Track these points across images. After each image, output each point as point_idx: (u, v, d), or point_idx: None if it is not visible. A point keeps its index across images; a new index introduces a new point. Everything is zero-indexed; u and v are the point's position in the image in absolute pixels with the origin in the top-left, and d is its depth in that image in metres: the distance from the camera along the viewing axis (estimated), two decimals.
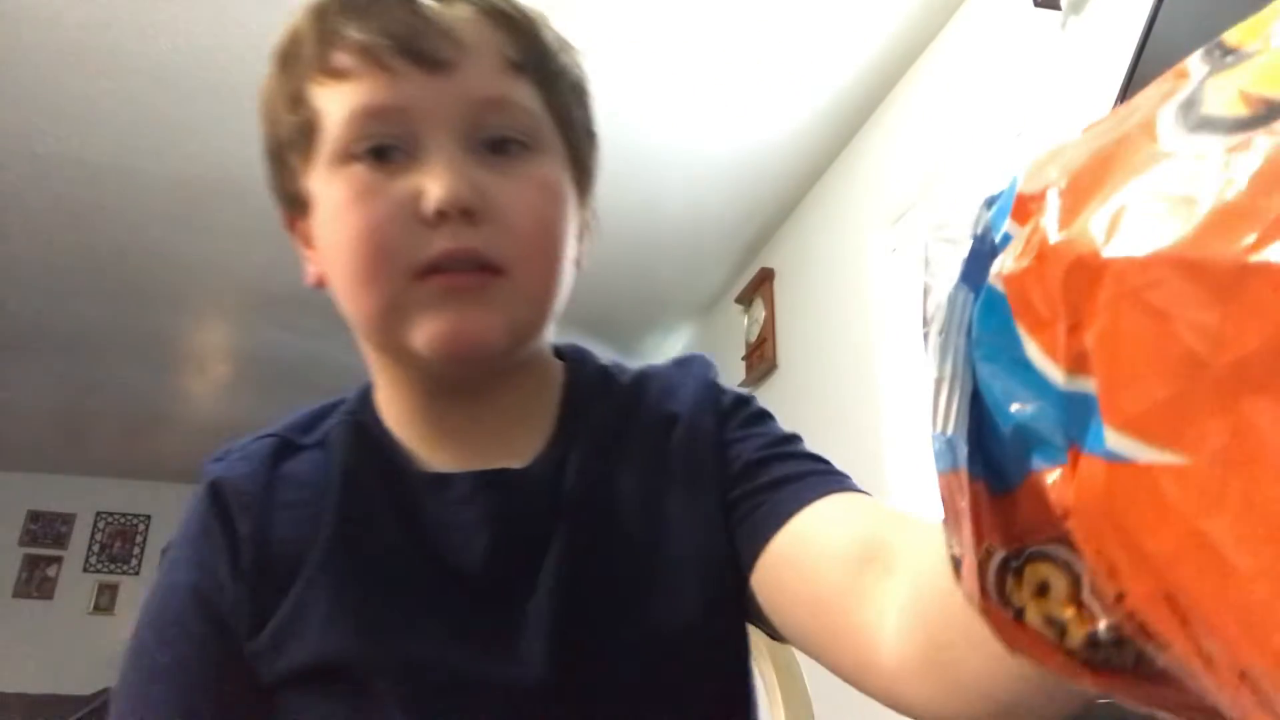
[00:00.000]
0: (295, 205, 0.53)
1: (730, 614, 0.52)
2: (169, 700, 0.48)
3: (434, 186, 0.45)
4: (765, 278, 2.99)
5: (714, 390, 0.58)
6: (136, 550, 6.20)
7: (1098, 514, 0.17)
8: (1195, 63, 0.20)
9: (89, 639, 5.79)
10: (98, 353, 3.99)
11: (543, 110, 0.51)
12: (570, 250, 0.52)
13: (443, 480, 0.52)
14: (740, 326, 3.18)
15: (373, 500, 0.51)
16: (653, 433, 0.55)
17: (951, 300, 0.22)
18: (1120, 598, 0.18)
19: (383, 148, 0.47)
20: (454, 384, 0.53)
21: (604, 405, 0.56)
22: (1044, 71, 1.75)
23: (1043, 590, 0.20)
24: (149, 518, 6.25)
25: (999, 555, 0.21)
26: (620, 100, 2.33)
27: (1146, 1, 1.10)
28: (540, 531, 0.50)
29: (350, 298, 0.49)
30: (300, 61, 0.49)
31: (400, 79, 0.46)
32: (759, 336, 2.98)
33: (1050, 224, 0.19)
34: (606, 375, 0.59)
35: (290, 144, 0.51)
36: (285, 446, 0.54)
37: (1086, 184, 0.19)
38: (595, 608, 0.49)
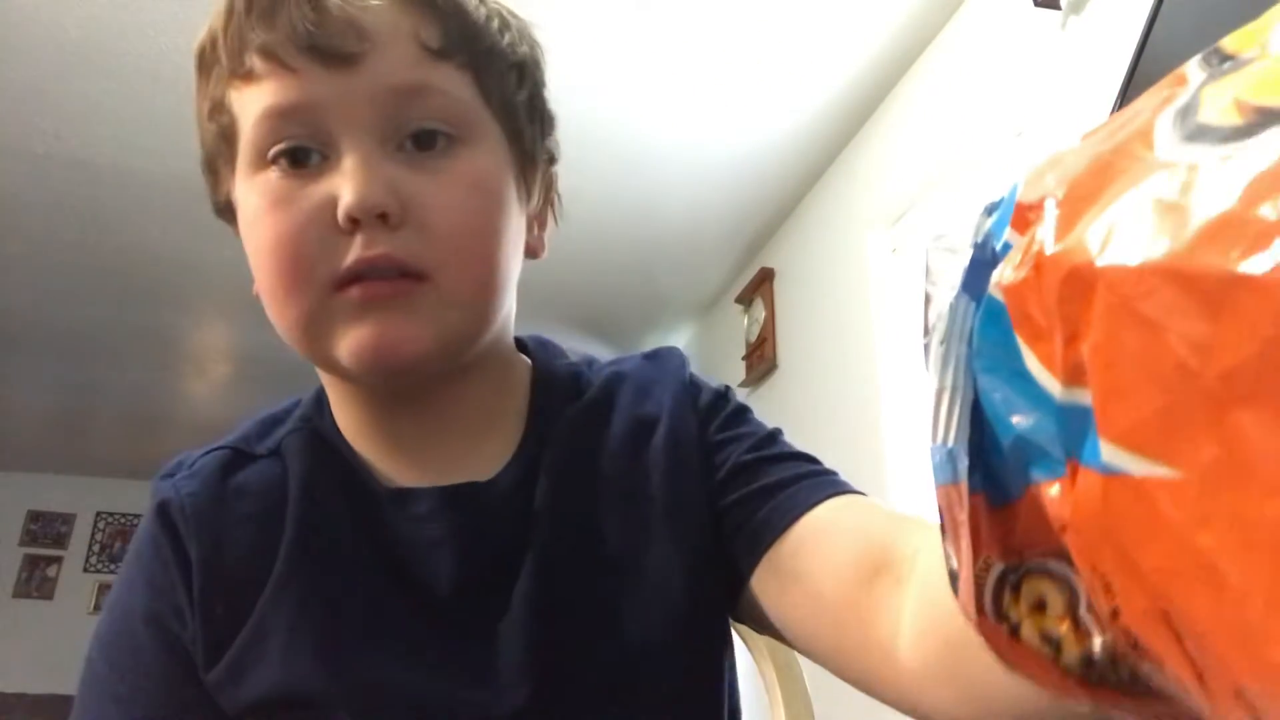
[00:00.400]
0: (228, 215, 0.51)
1: (713, 624, 0.51)
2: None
3: (346, 191, 0.43)
4: (765, 278, 2.99)
5: (691, 389, 0.55)
6: None
7: (1094, 529, 0.17)
8: (1193, 68, 0.20)
9: (89, 639, 5.79)
10: (98, 353, 3.99)
11: (474, 96, 0.47)
12: (511, 246, 0.49)
13: (404, 495, 0.49)
14: (740, 326, 3.17)
15: (332, 517, 0.48)
16: (629, 438, 0.52)
17: (953, 310, 0.22)
18: (1115, 614, 0.17)
19: (296, 150, 0.45)
20: (396, 395, 0.50)
21: (575, 409, 0.53)
22: (1044, 71, 1.75)
23: (1039, 606, 0.20)
24: None
25: (997, 569, 0.20)
26: (620, 100, 2.33)
27: (1146, 1, 1.10)
28: (510, 548, 0.48)
29: (272, 309, 0.47)
30: (215, 65, 0.47)
31: (305, 77, 0.44)
32: (759, 336, 2.98)
33: (1047, 234, 0.19)
34: (576, 375, 0.56)
35: (216, 152, 0.50)
36: (237, 458, 0.52)
37: (1083, 193, 0.19)
38: (572, 629, 0.47)
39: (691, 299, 3.49)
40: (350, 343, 0.44)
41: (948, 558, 0.22)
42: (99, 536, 6.13)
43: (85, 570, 6.01)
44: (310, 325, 0.45)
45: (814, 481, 0.48)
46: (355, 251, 0.43)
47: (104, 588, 6.00)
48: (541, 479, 0.50)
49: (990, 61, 1.93)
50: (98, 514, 6.16)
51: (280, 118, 0.44)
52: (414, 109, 0.45)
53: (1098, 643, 0.19)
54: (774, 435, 0.54)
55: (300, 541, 0.48)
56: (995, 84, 1.91)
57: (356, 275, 0.43)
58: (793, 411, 2.73)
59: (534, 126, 0.52)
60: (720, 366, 3.40)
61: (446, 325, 0.45)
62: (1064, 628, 0.19)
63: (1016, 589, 0.20)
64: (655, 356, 0.58)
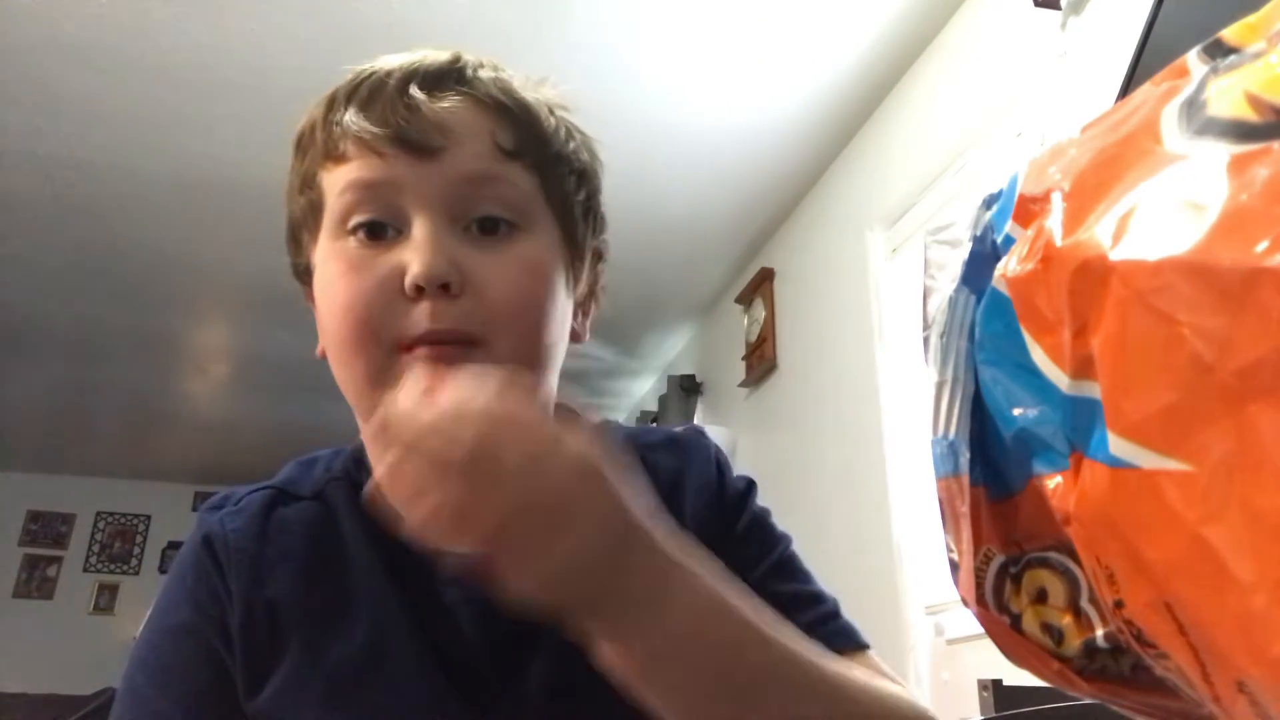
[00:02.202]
0: (306, 278, 0.57)
1: None
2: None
3: (414, 262, 0.48)
4: (765, 278, 2.99)
5: (719, 483, 0.59)
6: (136, 550, 6.20)
7: (1099, 521, 0.17)
8: (1194, 60, 0.20)
9: (89, 639, 5.78)
10: (98, 353, 3.99)
11: (536, 192, 0.53)
12: (558, 326, 0.53)
13: (433, 556, 0.51)
14: (740, 326, 3.17)
15: (367, 570, 0.52)
16: (667, 503, 0.54)
17: (953, 303, 0.21)
18: (1119, 605, 0.17)
19: (374, 224, 0.50)
20: None
21: None
22: (1044, 71, 1.75)
23: (1041, 597, 0.20)
24: (149, 518, 6.25)
25: (998, 560, 0.20)
26: (621, 100, 2.33)
27: (1146, 1, 1.09)
28: (529, 626, 0.49)
29: (340, 365, 0.51)
30: (312, 147, 0.53)
31: (391, 161, 0.49)
32: (759, 336, 2.98)
33: (1056, 226, 0.19)
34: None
35: (301, 222, 0.55)
36: (280, 497, 0.55)
37: (1091, 186, 0.18)
38: (582, 710, 0.49)
39: (691, 299, 3.49)
40: None
41: (948, 549, 0.22)
42: (99, 536, 6.13)
43: (85, 570, 6.01)
44: (374, 381, 0.48)
45: (825, 632, 0.51)
46: (425, 323, 0.48)
47: (104, 587, 6.00)
48: None
49: (990, 61, 1.93)
50: (98, 514, 6.16)
51: (363, 190, 0.50)
52: (482, 196, 0.51)
53: (1100, 633, 0.19)
54: (792, 559, 0.57)
55: (338, 591, 0.51)
56: (995, 84, 1.91)
57: (420, 341, 0.48)
58: (793, 411, 2.73)
59: (587, 225, 0.58)
60: (720, 366, 3.40)
61: None
62: (1065, 618, 0.19)
63: (1017, 580, 0.20)
64: (683, 445, 0.61)
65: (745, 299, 3.13)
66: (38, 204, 2.82)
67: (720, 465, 0.60)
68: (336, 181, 0.51)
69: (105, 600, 6.00)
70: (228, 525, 0.53)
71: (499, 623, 0.48)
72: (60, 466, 5.91)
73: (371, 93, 0.51)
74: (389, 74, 0.51)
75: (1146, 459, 0.16)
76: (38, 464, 5.86)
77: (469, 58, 0.54)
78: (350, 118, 0.50)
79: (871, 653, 0.54)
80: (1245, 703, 0.15)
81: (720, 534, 0.54)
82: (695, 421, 3.50)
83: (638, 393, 4.22)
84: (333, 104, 0.52)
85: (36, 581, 5.89)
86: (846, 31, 2.13)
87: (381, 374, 0.48)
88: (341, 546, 0.52)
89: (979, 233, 0.23)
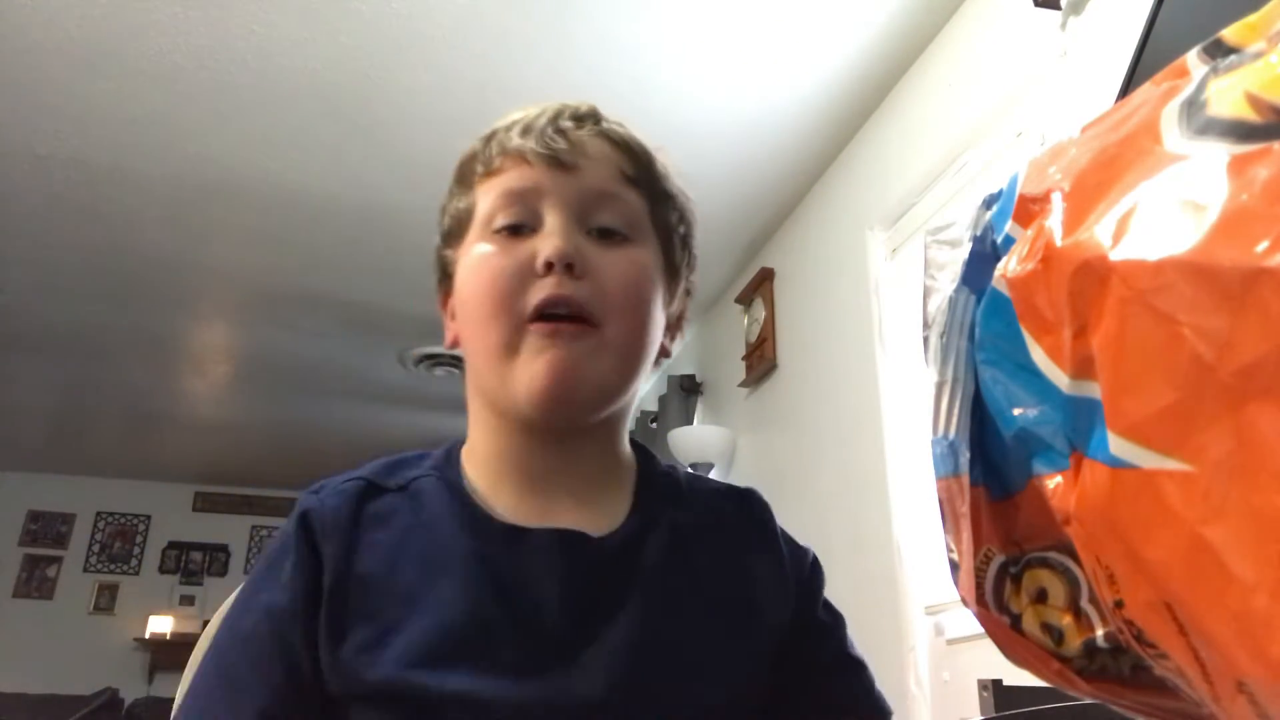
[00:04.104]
0: (447, 276, 0.66)
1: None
2: (241, 704, 0.53)
3: (545, 246, 0.58)
4: (765, 278, 2.98)
5: (787, 546, 0.66)
6: (136, 550, 6.20)
7: (1099, 521, 0.17)
8: (1194, 60, 0.20)
9: (89, 639, 5.79)
10: (98, 353, 3.99)
11: (645, 214, 0.64)
12: (655, 327, 0.63)
13: (520, 531, 0.59)
14: (740, 326, 3.17)
15: (453, 543, 0.58)
16: (727, 559, 0.63)
17: (953, 303, 0.21)
18: (1119, 605, 0.17)
19: (515, 225, 0.60)
20: (536, 431, 0.61)
21: (678, 506, 0.65)
22: (1044, 71, 1.75)
23: (1041, 597, 0.20)
24: (149, 518, 6.25)
25: (998, 560, 0.20)
26: (620, 100, 2.33)
27: (1146, 1, 1.09)
28: (612, 595, 0.57)
29: (475, 338, 0.60)
30: (473, 171, 0.64)
31: (537, 171, 0.61)
32: (759, 336, 2.98)
33: (1056, 226, 0.18)
34: (672, 477, 0.68)
35: (453, 230, 0.65)
36: (370, 488, 0.61)
37: (1091, 186, 0.18)
38: (654, 667, 0.56)
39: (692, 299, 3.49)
40: (534, 366, 0.57)
41: (948, 549, 0.22)
42: (99, 536, 6.13)
43: (85, 570, 6.01)
44: (503, 349, 0.58)
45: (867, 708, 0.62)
46: (547, 289, 0.57)
47: (104, 587, 6.01)
48: (650, 548, 0.60)
49: (990, 61, 1.93)
50: (98, 514, 6.16)
51: (511, 196, 0.61)
52: (604, 207, 0.62)
53: (1100, 633, 0.19)
54: (852, 644, 0.65)
55: (425, 569, 0.57)
56: (995, 84, 1.91)
57: (542, 312, 0.57)
58: (793, 411, 2.73)
59: (684, 253, 0.68)
60: (720, 366, 3.40)
61: (603, 370, 0.59)
62: (1066, 618, 0.19)
63: (1017, 580, 0.20)
64: (742, 498, 0.69)
65: (745, 299, 3.13)
66: (38, 204, 2.82)
67: (784, 536, 0.67)
68: (490, 191, 0.62)
69: (105, 600, 6.00)
70: (327, 504, 0.59)
71: (579, 588, 0.57)
72: (60, 466, 5.91)
73: (528, 124, 0.63)
74: (541, 113, 0.63)
75: (1146, 459, 0.16)
76: (38, 464, 5.87)
77: (604, 111, 0.66)
78: (511, 138, 0.62)
79: None
80: (1245, 703, 0.15)
81: (798, 609, 0.63)
82: (695, 422, 3.50)
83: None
84: (492, 135, 0.64)
85: (36, 581, 5.89)
86: (846, 31, 2.13)
87: (510, 344, 0.57)
88: (429, 531, 0.59)
89: (979, 233, 0.23)
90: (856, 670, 0.63)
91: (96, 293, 3.40)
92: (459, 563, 0.57)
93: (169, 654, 5.64)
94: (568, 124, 0.62)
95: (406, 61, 2.23)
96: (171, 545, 6.25)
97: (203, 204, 2.82)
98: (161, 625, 5.90)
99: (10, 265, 3.19)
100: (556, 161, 0.61)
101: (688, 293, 0.70)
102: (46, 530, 6.02)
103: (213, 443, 5.38)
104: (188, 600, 6.07)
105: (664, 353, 0.67)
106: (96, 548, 6.10)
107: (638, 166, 0.64)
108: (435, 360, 3.95)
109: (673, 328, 0.68)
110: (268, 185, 2.73)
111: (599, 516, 0.61)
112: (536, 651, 0.54)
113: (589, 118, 0.64)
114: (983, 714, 1.03)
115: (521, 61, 2.22)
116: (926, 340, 0.23)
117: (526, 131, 0.62)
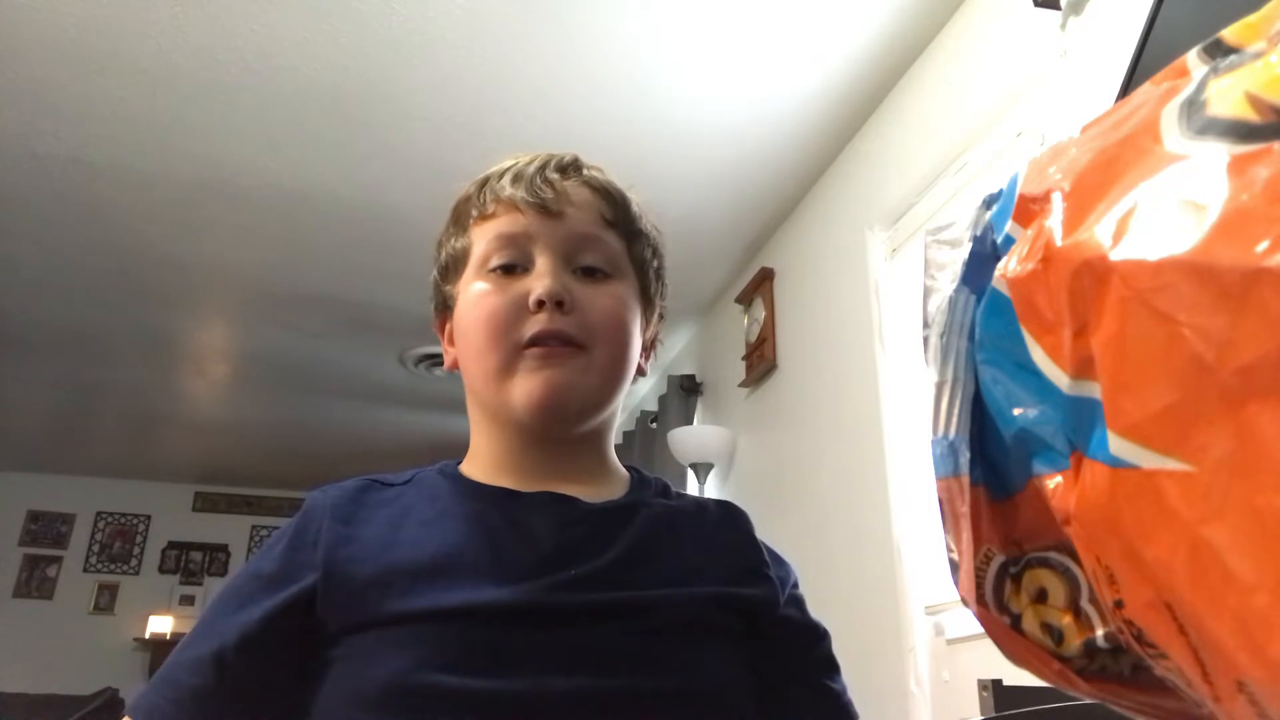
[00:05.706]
0: (445, 308, 0.73)
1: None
2: (228, 626, 0.60)
3: (538, 286, 0.65)
4: (765, 278, 2.98)
5: (769, 554, 0.70)
6: (136, 550, 6.20)
7: (1099, 520, 0.17)
8: (1194, 60, 0.20)
9: (89, 639, 5.79)
10: (98, 353, 3.99)
11: (624, 253, 0.72)
12: (633, 350, 0.70)
13: (517, 495, 0.66)
14: (740, 326, 3.17)
15: (453, 504, 0.65)
16: (713, 541, 0.69)
17: (953, 303, 0.21)
18: (1119, 605, 0.17)
19: (509, 265, 0.67)
20: (533, 435, 0.67)
21: (667, 499, 0.71)
22: (1044, 71, 1.75)
23: (1041, 597, 0.20)
24: (149, 518, 6.25)
25: (998, 560, 0.20)
26: (620, 100, 2.33)
27: (1146, 1, 1.09)
28: (602, 537, 0.64)
29: (475, 362, 0.67)
30: (468, 213, 0.71)
31: (527, 217, 0.68)
32: (759, 336, 2.98)
33: (1056, 226, 0.18)
34: (663, 483, 0.74)
35: (450, 267, 0.73)
36: (374, 484, 0.68)
37: (1091, 186, 0.18)
38: (642, 578, 0.62)
39: (691, 299, 3.49)
40: (528, 385, 0.65)
41: (948, 549, 0.22)
42: (99, 536, 6.13)
43: (85, 570, 6.02)
44: (500, 372, 0.65)
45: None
46: (540, 324, 0.65)
47: (104, 587, 6.01)
48: (639, 516, 0.67)
49: (990, 61, 1.93)
50: (98, 514, 6.16)
51: (505, 239, 0.68)
52: (587, 249, 0.69)
53: (1100, 633, 0.19)
54: (831, 652, 0.70)
55: (426, 520, 0.63)
56: (995, 84, 1.91)
57: (535, 341, 0.65)
58: (793, 411, 2.73)
59: (657, 284, 0.77)
60: (720, 366, 3.40)
61: (590, 387, 0.66)
62: (1066, 618, 0.19)
63: (1018, 580, 0.20)
64: (727, 506, 0.74)
65: (745, 299, 3.13)
66: (38, 204, 2.82)
67: (765, 545, 0.72)
68: (485, 233, 0.69)
69: (105, 600, 6.00)
70: (329, 494, 0.66)
71: (573, 525, 0.63)
72: (60, 466, 5.91)
73: (518, 174, 0.70)
74: (530, 162, 0.71)
75: (1147, 459, 0.16)
76: (38, 464, 5.87)
77: (584, 159, 0.74)
78: (504, 187, 0.69)
79: None
80: (1245, 703, 0.15)
81: (786, 605, 0.67)
82: (695, 422, 3.50)
83: (637, 392, 4.22)
84: (486, 181, 0.71)
85: (36, 581, 5.89)
86: (846, 31, 2.13)
87: (507, 367, 0.65)
88: (431, 502, 0.65)
89: (979, 233, 0.23)
90: (836, 695, 0.68)
91: (96, 293, 3.40)
92: (460, 515, 0.64)
93: (169, 654, 5.64)
94: (554, 175, 0.70)
95: (406, 61, 2.23)
96: (171, 545, 6.25)
97: (203, 204, 2.82)
98: (161, 625, 5.90)
99: (10, 265, 3.19)
100: (544, 209, 0.68)
101: (660, 317, 0.79)
102: (46, 530, 6.02)
103: (213, 443, 5.38)
104: (188, 600, 6.07)
105: (640, 371, 0.74)
106: (96, 548, 6.11)
107: (616, 210, 0.72)
108: (435, 360, 3.95)
109: (647, 349, 0.76)
110: (268, 185, 2.73)
111: (600, 494, 0.68)
112: (535, 568, 0.60)
113: (571, 167, 0.72)
114: (983, 714, 1.03)
115: (521, 62, 2.22)
116: (926, 340, 0.23)
117: (517, 180, 0.69)
